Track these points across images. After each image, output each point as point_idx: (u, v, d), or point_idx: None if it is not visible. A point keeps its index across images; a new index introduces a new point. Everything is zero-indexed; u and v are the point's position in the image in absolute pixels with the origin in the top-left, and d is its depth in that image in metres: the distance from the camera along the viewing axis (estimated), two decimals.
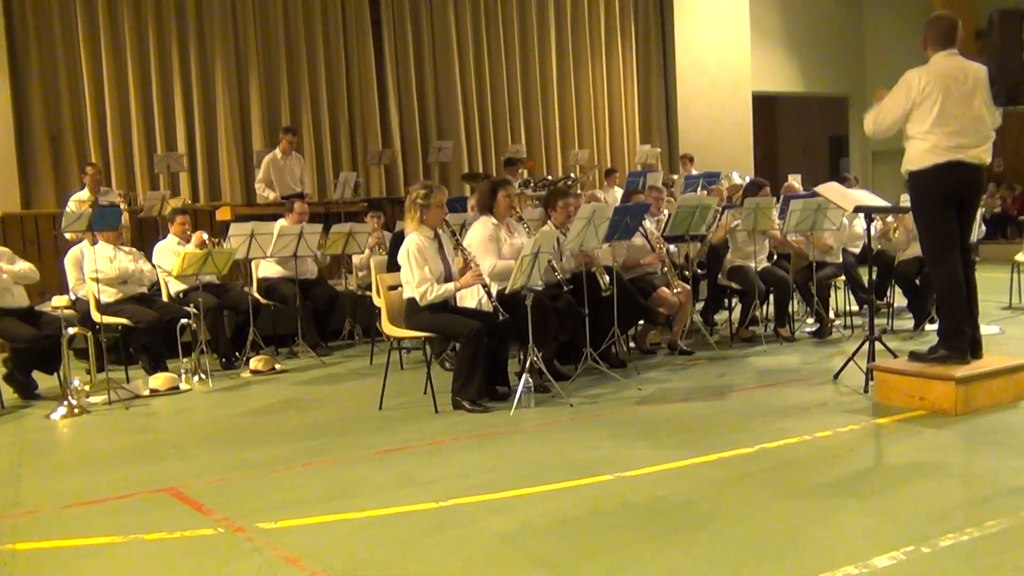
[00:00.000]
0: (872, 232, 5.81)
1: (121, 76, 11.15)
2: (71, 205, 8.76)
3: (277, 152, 10.04)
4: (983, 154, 4.86)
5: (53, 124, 10.88)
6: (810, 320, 7.90)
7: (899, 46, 15.77)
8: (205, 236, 7.45)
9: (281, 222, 7.88)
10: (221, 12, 11.62)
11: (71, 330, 6.05)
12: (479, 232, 6.02)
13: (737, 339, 7.49)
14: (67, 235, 7.88)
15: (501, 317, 5.34)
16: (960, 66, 4.86)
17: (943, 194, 4.84)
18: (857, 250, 8.04)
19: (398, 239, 6.86)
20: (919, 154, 4.85)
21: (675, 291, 6.77)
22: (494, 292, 5.51)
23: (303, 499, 3.90)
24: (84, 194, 9.13)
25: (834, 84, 17.23)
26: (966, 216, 4.99)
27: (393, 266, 6.49)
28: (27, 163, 10.75)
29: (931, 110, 4.78)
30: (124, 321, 6.68)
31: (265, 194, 9.87)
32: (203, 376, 6.77)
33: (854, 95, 17.27)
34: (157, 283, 7.35)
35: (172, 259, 7.13)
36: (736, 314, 7.85)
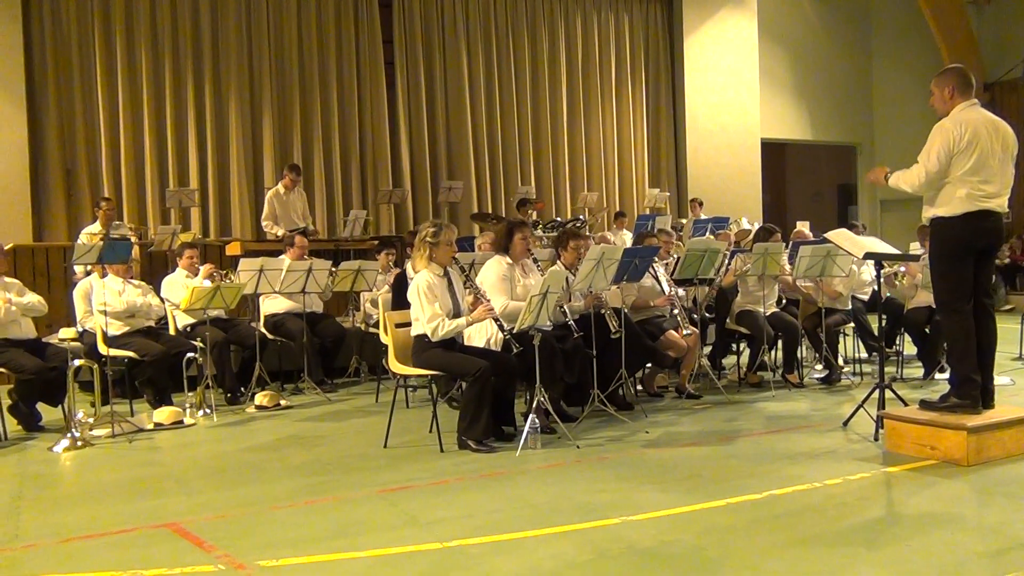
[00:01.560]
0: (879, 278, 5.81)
1: (136, 112, 11.29)
2: (82, 238, 8.82)
3: (280, 188, 10.13)
4: (1004, 203, 4.91)
5: (68, 158, 11.01)
6: (819, 366, 7.85)
7: (907, 96, 15.92)
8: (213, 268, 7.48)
9: (284, 257, 7.91)
10: (237, 51, 11.79)
11: (77, 362, 6.03)
12: (493, 271, 6.03)
13: (745, 384, 7.44)
14: (76, 268, 7.92)
15: (516, 349, 5.32)
16: (989, 118, 4.93)
17: (969, 242, 4.86)
18: (866, 297, 8.01)
19: (402, 278, 6.88)
20: (951, 201, 4.85)
21: (684, 333, 6.75)
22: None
23: (306, 537, 3.85)
24: (96, 227, 9.19)
25: (843, 133, 17.34)
26: (987, 263, 5.00)
27: (397, 305, 6.49)
28: (41, 196, 10.85)
29: (968, 159, 4.79)
30: (131, 354, 6.67)
31: (273, 231, 9.91)
32: (208, 411, 6.73)
33: (863, 144, 17.38)
34: (164, 317, 7.36)
35: (180, 292, 7.14)
36: (744, 359, 7.80)
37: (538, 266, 6.40)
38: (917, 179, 4.98)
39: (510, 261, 6.11)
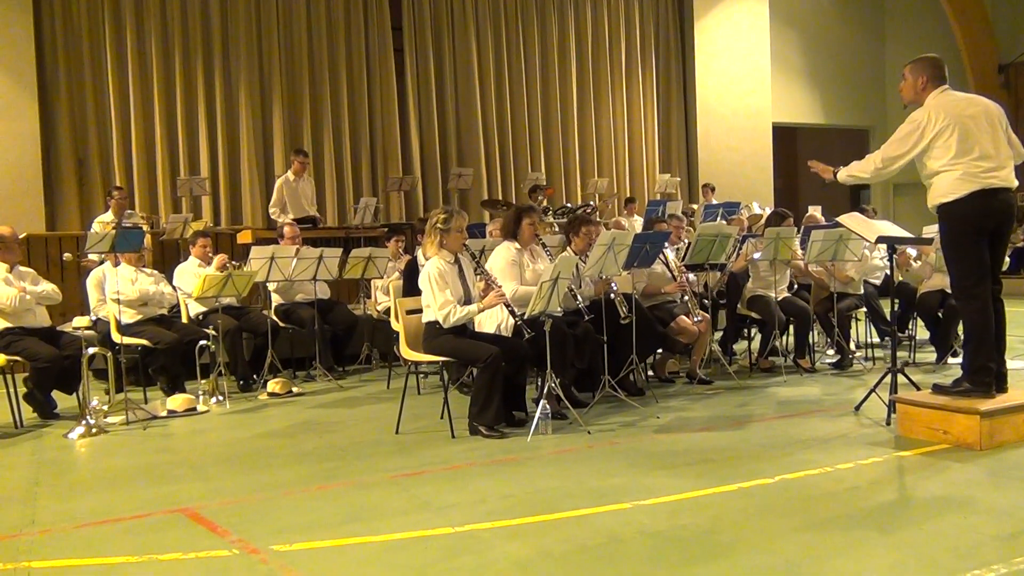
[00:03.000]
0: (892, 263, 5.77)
1: (147, 101, 11.34)
2: (95, 227, 8.86)
3: (289, 174, 10.14)
4: (1010, 175, 4.81)
5: (79, 147, 11.06)
6: (831, 351, 7.82)
7: None
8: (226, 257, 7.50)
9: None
10: (247, 39, 11.80)
11: (91, 350, 6.07)
12: (502, 257, 6.03)
13: (757, 369, 7.43)
14: (91, 256, 7.96)
15: (527, 335, 5.32)
16: (963, 96, 4.91)
17: (978, 223, 4.76)
18: (878, 282, 7.97)
19: (413, 265, 6.89)
20: (950, 184, 4.77)
21: (695, 319, 6.74)
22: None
23: (318, 522, 3.88)
24: (108, 216, 9.24)
25: (855, 116, 17.21)
26: (998, 245, 4.91)
27: (409, 292, 6.50)
28: (53, 185, 10.92)
29: (949, 143, 4.75)
30: (144, 342, 6.71)
31: (280, 219, 9.92)
32: (221, 398, 6.77)
33: (875, 127, 17.26)
34: (177, 305, 7.39)
35: (193, 281, 7.17)
36: (756, 344, 7.78)
37: (548, 252, 6.38)
38: (872, 164, 5.00)
39: (519, 247, 6.11)
